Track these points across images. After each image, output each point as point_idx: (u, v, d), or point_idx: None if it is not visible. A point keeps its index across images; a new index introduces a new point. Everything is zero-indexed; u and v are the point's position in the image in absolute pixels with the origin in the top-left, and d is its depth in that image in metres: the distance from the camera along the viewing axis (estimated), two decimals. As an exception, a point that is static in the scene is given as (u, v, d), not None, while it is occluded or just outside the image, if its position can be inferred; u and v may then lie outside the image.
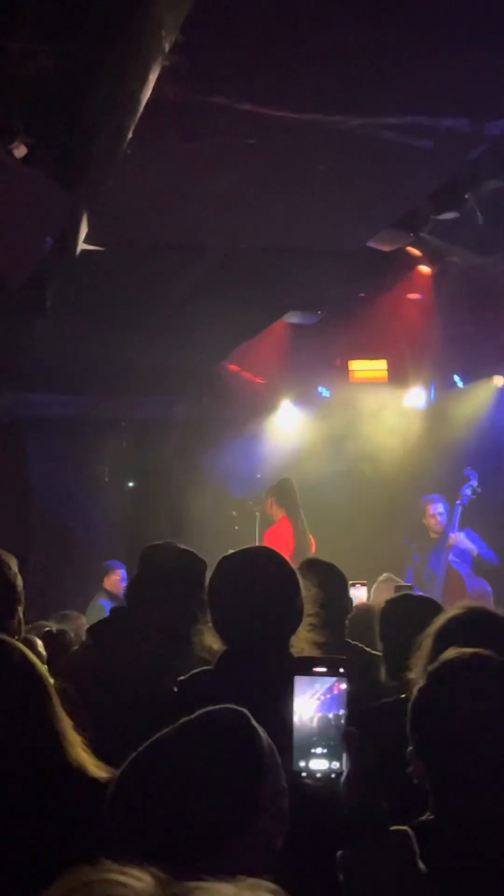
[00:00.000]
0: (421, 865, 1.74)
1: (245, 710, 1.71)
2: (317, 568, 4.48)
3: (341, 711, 1.83)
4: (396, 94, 4.90)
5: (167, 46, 4.55)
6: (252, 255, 7.06)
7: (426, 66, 4.72)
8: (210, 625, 2.98)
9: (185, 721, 1.72)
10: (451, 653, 2.15)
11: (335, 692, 1.84)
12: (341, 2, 4.32)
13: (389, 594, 6.35)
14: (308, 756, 1.81)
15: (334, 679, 1.85)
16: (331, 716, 1.83)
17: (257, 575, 2.96)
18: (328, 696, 1.84)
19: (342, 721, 1.83)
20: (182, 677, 3.04)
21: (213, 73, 4.78)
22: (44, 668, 2.27)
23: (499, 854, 1.92)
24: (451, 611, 2.90)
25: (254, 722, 1.70)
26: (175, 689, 3.06)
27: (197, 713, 1.72)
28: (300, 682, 1.84)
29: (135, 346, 8.88)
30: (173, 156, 5.58)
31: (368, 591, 6.57)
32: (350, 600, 4.40)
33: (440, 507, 9.34)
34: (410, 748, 2.08)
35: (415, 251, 8.58)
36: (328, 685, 1.85)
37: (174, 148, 5.50)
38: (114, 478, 11.37)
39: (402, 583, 6.81)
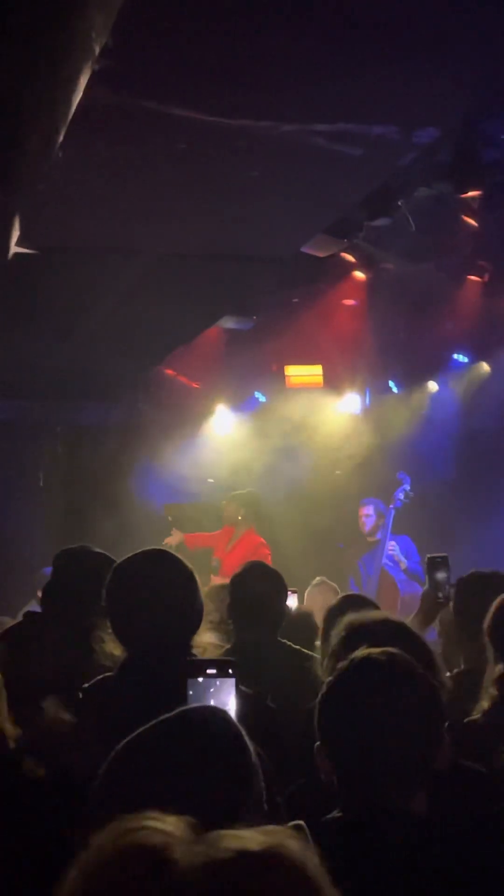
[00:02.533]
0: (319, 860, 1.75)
1: (227, 715, 1.70)
2: (253, 570, 4.51)
3: (232, 712, 1.85)
4: (326, 102, 4.94)
5: (97, 49, 4.54)
6: (186, 260, 7.08)
7: (355, 74, 4.77)
8: (110, 631, 2.97)
9: (168, 718, 1.68)
10: (361, 652, 2.18)
11: (226, 693, 1.86)
12: (271, 9, 4.35)
13: (322, 598, 6.39)
14: None
15: (225, 680, 1.87)
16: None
17: (153, 578, 2.95)
18: (219, 697, 1.86)
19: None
20: (86, 684, 3.02)
21: (144, 77, 4.78)
22: None
23: (406, 850, 1.94)
24: (349, 618, 2.93)
25: (237, 723, 1.69)
26: (80, 696, 3.04)
27: (175, 712, 1.69)
28: (192, 685, 1.86)
29: (69, 351, 8.84)
30: (105, 159, 5.57)
31: (300, 599, 6.60)
32: (285, 603, 4.42)
33: (370, 510, 9.41)
34: (318, 744, 2.10)
35: (349, 257, 8.65)
36: (216, 687, 1.87)
37: (106, 151, 5.49)
38: (48, 483, 11.29)
39: (336, 587, 6.85)
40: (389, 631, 2.70)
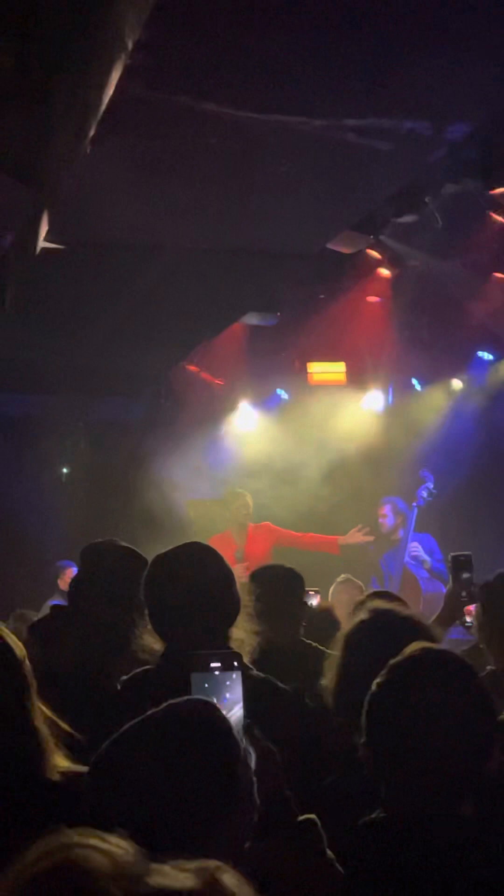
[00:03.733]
0: (329, 853, 1.75)
1: (212, 702, 1.71)
2: (270, 570, 4.51)
3: (239, 705, 1.83)
4: (358, 97, 4.92)
5: (130, 44, 4.53)
6: (211, 255, 7.06)
7: (387, 68, 4.75)
8: (148, 624, 2.97)
9: (155, 712, 1.71)
10: (414, 647, 2.16)
11: (233, 686, 1.85)
12: (303, 4, 4.33)
13: (347, 595, 6.38)
14: None
15: (231, 674, 1.85)
16: (230, 709, 1.83)
17: (191, 571, 2.95)
18: (227, 690, 1.84)
19: (241, 715, 1.83)
20: (125, 677, 3.02)
21: (176, 73, 4.77)
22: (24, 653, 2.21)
23: (452, 853, 1.92)
24: (359, 615, 2.92)
25: (221, 711, 1.69)
26: (118, 688, 3.04)
27: (163, 706, 1.71)
28: (197, 679, 1.85)
29: (93, 346, 8.84)
30: (134, 155, 5.56)
31: (323, 597, 6.59)
32: (305, 601, 4.41)
33: (387, 509, 9.39)
34: (363, 740, 2.09)
35: (374, 254, 8.62)
36: (225, 680, 1.85)
37: (135, 147, 5.48)
38: (71, 478, 11.32)
39: (361, 584, 6.84)
40: (399, 625, 2.69)
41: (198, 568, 3.01)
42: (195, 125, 5.17)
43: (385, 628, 2.76)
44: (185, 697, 1.78)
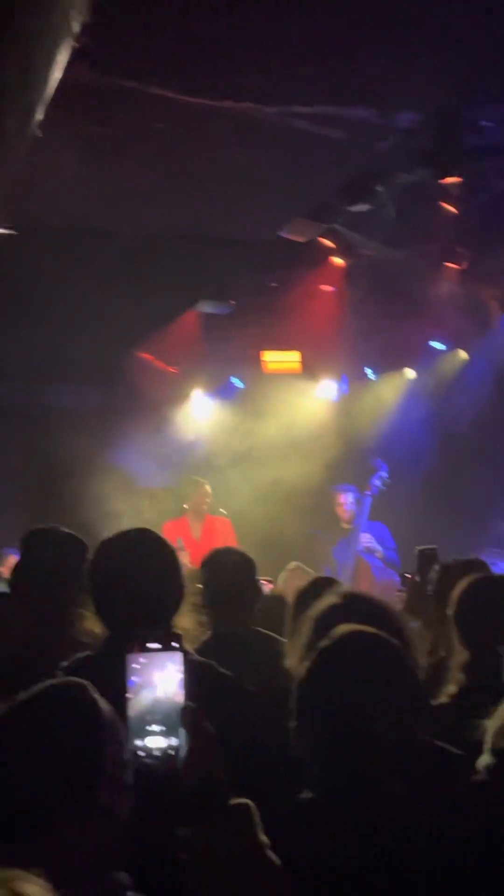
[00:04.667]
0: (263, 838, 1.75)
1: (86, 682, 1.70)
2: (224, 556, 4.49)
3: (180, 686, 1.82)
4: (307, 84, 4.92)
5: (76, 27, 4.49)
6: (163, 242, 7.03)
7: (337, 57, 4.75)
8: (91, 609, 2.95)
9: (26, 694, 1.71)
10: (342, 629, 2.17)
11: (173, 668, 1.83)
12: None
13: (297, 583, 6.37)
14: (145, 734, 1.79)
15: (171, 655, 1.84)
16: (169, 691, 1.82)
17: (136, 556, 2.94)
18: (167, 672, 1.83)
19: (181, 696, 1.82)
20: (65, 663, 3.01)
21: (124, 56, 4.74)
22: None
23: (383, 830, 1.94)
24: (330, 598, 2.92)
25: (94, 694, 1.68)
26: (58, 673, 3.02)
27: (39, 686, 1.71)
28: (135, 661, 1.83)
29: (46, 334, 8.77)
30: (83, 139, 5.52)
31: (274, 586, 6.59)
32: (258, 588, 4.39)
33: (349, 497, 9.42)
34: (294, 723, 2.09)
35: (327, 243, 8.62)
36: (166, 661, 1.83)
37: (84, 131, 5.45)
38: (25, 467, 11.22)
39: (311, 572, 6.84)
40: (368, 610, 2.70)
41: (141, 554, 2.99)
42: (144, 110, 5.15)
43: (358, 613, 2.76)
44: (63, 678, 1.78)
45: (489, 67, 5.79)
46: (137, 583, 2.90)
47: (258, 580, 4.42)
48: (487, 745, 2.70)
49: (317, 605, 2.87)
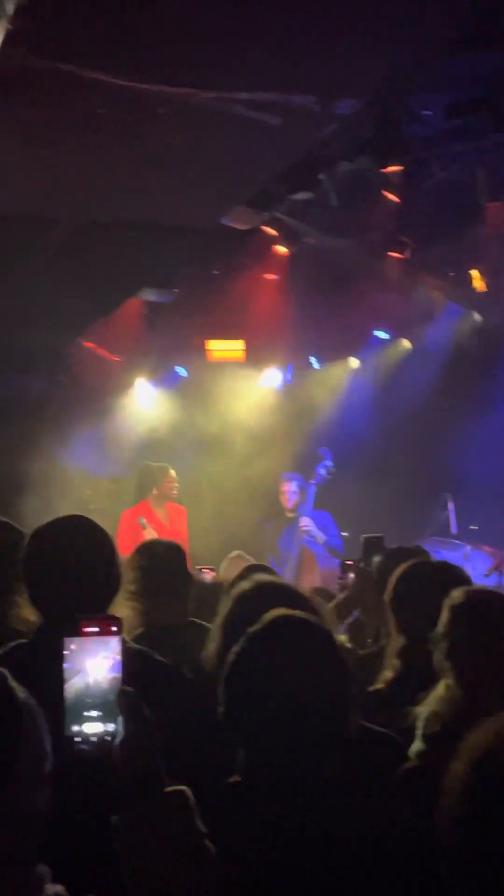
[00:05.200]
0: (199, 825, 1.73)
1: (3, 671, 1.67)
2: (153, 547, 4.48)
3: (117, 671, 1.80)
4: (245, 69, 4.89)
5: (11, 8, 4.42)
6: (105, 229, 6.97)
7: (275, 42, 4.73)
8: (26, 597, 2.92)
9: None
10: (272, 614, 2.16)
11: (112, 652, 1.81)
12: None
13: (238, 570, 6.37)
14: (82, 720, 1.77)
15: (109, 638, 1.81)
16: (107, 677, 1.79)
17: (70, 543, 2.91)
18: (104, 656, 1.80)
19: (118, 681, 1.79)
20: None
21: (59, 39, 4.67)
22: None
23: (302, 814, 1.93)
24: (242, 585, 2.93)
25: (11, 682, 1.65)
26: None
27: None
28: (72, 644, 1.80)
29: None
30: (21, 124, 5.44)
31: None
32: (190, 577, 4.37)
33: (293, 486, 9.43)
34: (222, 709, 2.08)
35: (271, 231, 8.61)
36: (104, 645, 1.81)
37: (21, 116, 5.37)
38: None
39: (252, 560, 6.84)
40: (279, 596, 2.70)
41: (76, 541, 2.95)
42: (82, 94, 5.08)
43: (267, 599, 2.76)
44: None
45: (430, 57, 5.80)
46: (72, 570, 2.87)
47: (188, 570, 4.41)
48: (419, 731, 2.72)
49: (232, 592, 2.88)
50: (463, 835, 1.35)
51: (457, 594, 2.86)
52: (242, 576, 4.00)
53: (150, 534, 8.04)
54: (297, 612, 2.18)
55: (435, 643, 2.82)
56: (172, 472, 8.78)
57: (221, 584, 5.33)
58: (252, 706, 2.03)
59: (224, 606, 2.96)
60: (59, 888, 1.59)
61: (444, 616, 2.81)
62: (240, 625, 2.49)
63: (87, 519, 3.07)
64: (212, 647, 2.98)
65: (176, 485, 8.78)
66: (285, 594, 2.82)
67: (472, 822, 1.34)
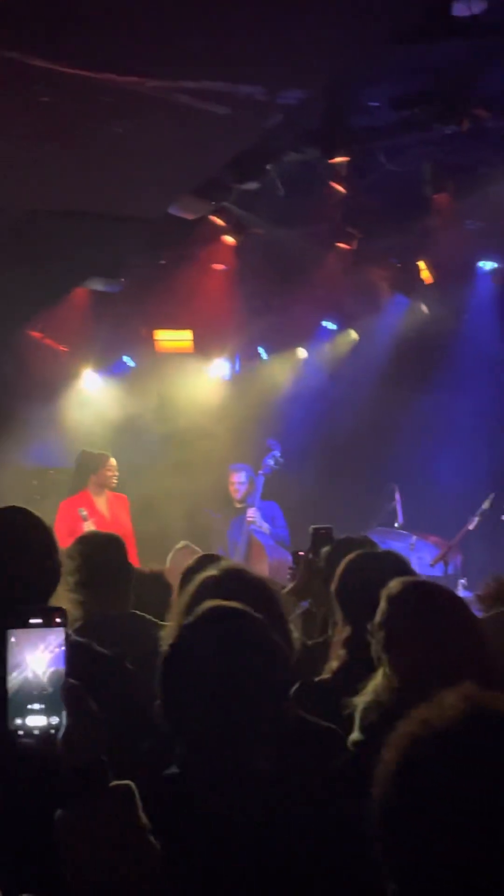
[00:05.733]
0: (144, 819, 1.73)
1: None
2: (93, 538, 4.45)
3: (61, 663, 1.78)
4: (192, 59, 4.87)
5: (-47, -6, 4.37)
6: (50, 218, 6.91)
7: (221, 32, 4.71)
8: None
9: None
10: (204, 605, 2.16)
11: (56, 644, 1.79)
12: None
13: (186, 561, 6.36)
14: (25, 712, 1.75)
15: (53, 630, 1.80)
16: (51, 669, 1.78)
17: (8, 537, 2.88)
18: (48, 648, 1.79)
19: (62, 674, 1.78)
20: None
21: (3, 27, 4.62)
22: None
23: (249, 806, 1.93)
24: (205, 573, 2.92)
25: None
26: None
27: None
28: (15, 636, 1.78)
29: None
30: (-36, 110, 5.39)
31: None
32: (131, 568, 4.34)
33: (241, 477, 9.44)
34: (158, 702, 2.07)
35: (218, 221, 8.58)
36: (48, 637, 1.79)
37: (-36, 102, 5.31)
38: None
39: (199, 551, 6.83)
40: (243, 585, 2.69)
41: (15, 532, 2.92)
42: (26, 82, 5.03)
43: (233, 588, 2.75)
44: None
45: (376, 48, 5.82)
46: (11, 562, 2.84)
47: (128, 561, 4.38)
48: (357, 721, 2.73)
49: (193, 582, 2.86)
50: (391, 822, 1.36)
51: (394, 584, 2.86)
52: (196, 566, 3.99)
53: (89, 526, 7.97)
54: (231, 603, 2.18)
55: (372, 633, 2.83)
56: (112, 461, 8.60)
57: (161, 575, 5.32)
58: (187, 698, 2.02)
59: (185, 594, 2.95)
60: None
61: (382, 606, 2.82)
62: None
63: (26, 510, 3.04)
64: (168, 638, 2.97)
65: (115, 473, 8.62)
66: (247, 581, 2.81)
67: (399, 810, 1.35)
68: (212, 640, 2.05)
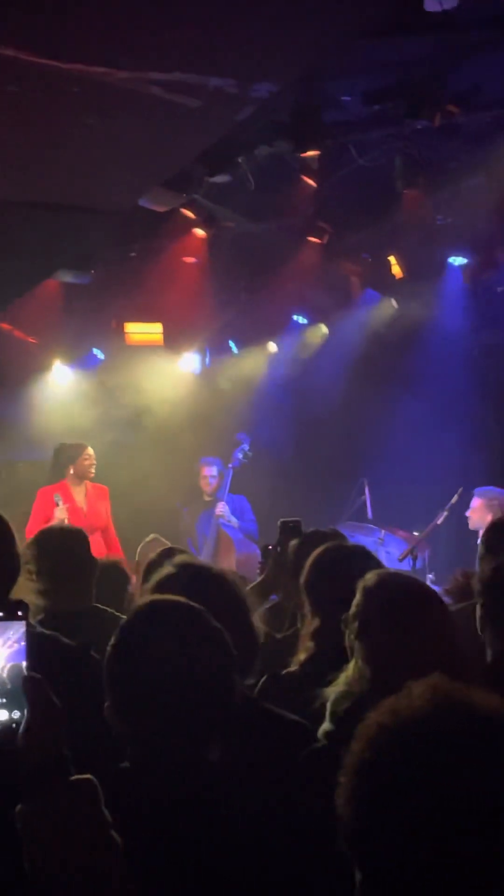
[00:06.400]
0: (106, 814, 1.72)
1: None
2: (57, 532, 4.44)
3: (23, 657, 1.78)
4: (162, 50, 4.84)
5: None
6: (18, 209, 6.85)
7: (192, 23, 4.69)
8: None
9: None
10: (142, 600, 2.16)
11: (16, 637, 1.78)
12: None
13: (154, 554, 6.35)
14: None
15: (14, 623, 1.79)
16: (11, 663, 1.77)
17: None
18: (9, 642, 1.78)
19: (23, 667, 1.77)
20: None
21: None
22: None
23: (196, 798, 1.93)
24: (165, 569, 2.92)
25: None
26: None
27: None
28: None
29: None
30: None
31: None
32: (94, 562, 4.33)
33: (213, 470, 9.44)
34: (106, 703, 2.07)
35: (189, 214, 8.56)
36: (9, 630, 1.78)
37: None
38: None
39: (168, 543, 6.82)
40: (202, 579, 2.69)
41: None
42: (-6, 71, 4.98)
43: (191, 582, 2.75)
44: None
45: (348, 42, 5.82)
46: None
47: (91, 554, 4.36)
48: (328, 711, 2.74)
49: (153, 577, 2.86)
50: (358, 811, 1.36)
51: (370, 576, 2.88)
52: (158, 559, 3.98)
53: (61, 512, 7.96)
54: (172, 597, 2.18)
55: (346, 624, 2.84)
56: (89, 450, 8.57)
57: (117, 562, 5.31)
58: (132, 695, 2.02)
59: (144, 591, 2.95)
60: None
61: (357, 597, 2.83)
62: None
63: None
64: None
65: (93, 462, 8.59)
66: (205, 575, 2.82)
67: (366, 799, 1.36)
68: (151, 635, 2.05)
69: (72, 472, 8.48)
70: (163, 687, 1.97)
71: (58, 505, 8.05)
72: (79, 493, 8.49)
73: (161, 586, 2.71)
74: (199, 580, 2.75)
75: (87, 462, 8.50)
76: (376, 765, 1.36)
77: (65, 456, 8.56)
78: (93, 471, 8.52)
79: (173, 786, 1.93)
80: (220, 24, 4.70)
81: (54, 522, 7.67)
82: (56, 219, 7.15)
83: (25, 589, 2.95)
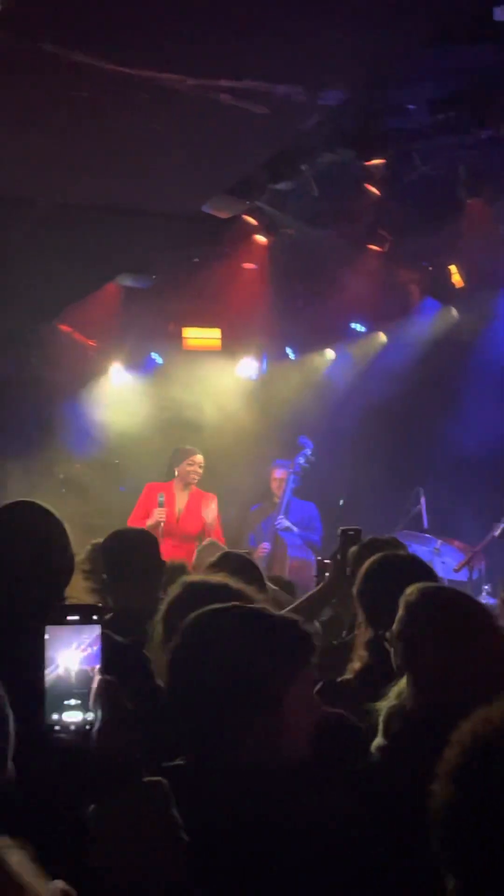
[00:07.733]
0: (176, 816, 1.74)
1: None
2: (127, 533, 4.50)
3: (97, 659, 1.81)
4: (232, 58, 4.88)
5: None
6: (83, 212, 6.93)
7: (262, 32, 4.71)
8: None
9: None
10: (204, 609, 2.20)
11: (91, 641, 1.81)
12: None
13: (210, 558, 6.37)
14: (62, 708, 1.77)
15: (89, 627, 1.82)
16: (87, 665, 1.80)
17: (23, 528, 2.90)
18: (84, 645, 1.81)
19: (98, 669, 1.80)
20: None
21: (46, 21, 4.65)
22: None
23: (239, 794, 1.95)
24: (175, 587, 2.97)
25: None
26: None
27: None
28: (53, 632, 1.80)
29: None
30: (3, 104, 5.41)
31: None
32: (161, 564, 4.37)
33: (279, 473, 9.40)
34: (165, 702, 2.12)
35: (251, 220, 8.59)
36: (83, 634, 1.81)
37: (4, 96, 5.34)
38: None
39: (223, 548, 6.84)
40: (209, 594, 2.73)
41: (27, 525, 2.94)
42: (66, 76, 5.06)
43: (195, 599, 2.78)
44: None
45: (414, 49, 5.81)
46: (21, 554, 2.86)
47: (159, 557, 4.41)
48: (381, 726, 2.72)
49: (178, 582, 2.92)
50: (454, 818, 1.37)
51: (411, 591, 2.80)
52: (216, 563, 4.02)
53: (159, 513, 8.08)
54: (234, 604, 2.23)
55: (391, 642, 2.81)
56: (198, 458, 8.60)
57: (184, 567, 5.35)
58: (186, 694, 2.07)
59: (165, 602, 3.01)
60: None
61: (400, 612, 2.79)
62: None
63: (33, 504, 3.06)
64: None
65: (196, 469, 8.58)
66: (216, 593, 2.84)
67: (462, 805, 1.37)
68: (213, 639, 2.12)
69: (176, 474, 8.55)
70: (218, 684, 2.00)
71: (160, 505, 8.17)
72: (181, 498, 8.53)
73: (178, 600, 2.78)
74: (206, 595, 2.79)
75: (190, 468, 8.56)
76: (473, 772, 1.38)
77: (175, 458, 8.66)
78: (195, 478, 8.56)
79: (236, 783, 1.95)
80: (290, 31, 4.72)
81: (150, 521, 7.88)
82: (119, 222, 7.23)
83: (79, 588, 2.99)
